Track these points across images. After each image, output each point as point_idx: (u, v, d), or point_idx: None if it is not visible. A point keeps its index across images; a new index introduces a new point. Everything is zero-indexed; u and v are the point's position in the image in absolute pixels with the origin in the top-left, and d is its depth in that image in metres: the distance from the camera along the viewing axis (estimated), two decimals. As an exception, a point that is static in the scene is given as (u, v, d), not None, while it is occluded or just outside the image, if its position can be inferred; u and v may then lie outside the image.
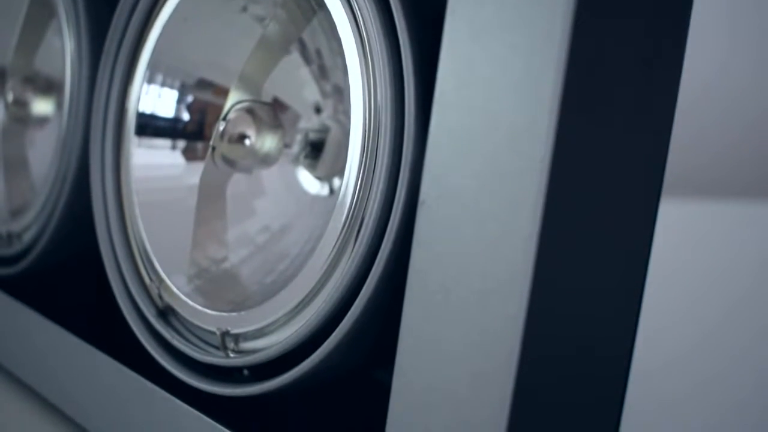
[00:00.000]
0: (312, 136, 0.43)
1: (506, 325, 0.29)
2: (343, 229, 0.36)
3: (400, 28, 0.35)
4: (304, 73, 0.43)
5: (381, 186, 0.35)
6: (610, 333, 0.42)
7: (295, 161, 0.43)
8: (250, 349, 0.40)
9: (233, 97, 0.43)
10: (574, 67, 0.30)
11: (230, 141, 0.42)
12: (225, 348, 0.41)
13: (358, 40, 0.37)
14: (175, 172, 0.46)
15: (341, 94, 0.42)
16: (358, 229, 0.36)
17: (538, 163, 0.29)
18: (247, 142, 0.42)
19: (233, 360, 0.40)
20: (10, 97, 0.57)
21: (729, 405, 0.59)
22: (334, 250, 0.37)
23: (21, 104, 0.57)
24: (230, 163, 0.43)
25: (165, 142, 0.46)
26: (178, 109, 0.46)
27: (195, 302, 0.42)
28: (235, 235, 0.44)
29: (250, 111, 0.42)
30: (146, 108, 0.46)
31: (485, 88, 0.31)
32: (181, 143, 0.46)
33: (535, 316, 0.30)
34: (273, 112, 0.43)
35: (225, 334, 0.40)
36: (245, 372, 0.41)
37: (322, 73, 0.43)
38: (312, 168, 0.43)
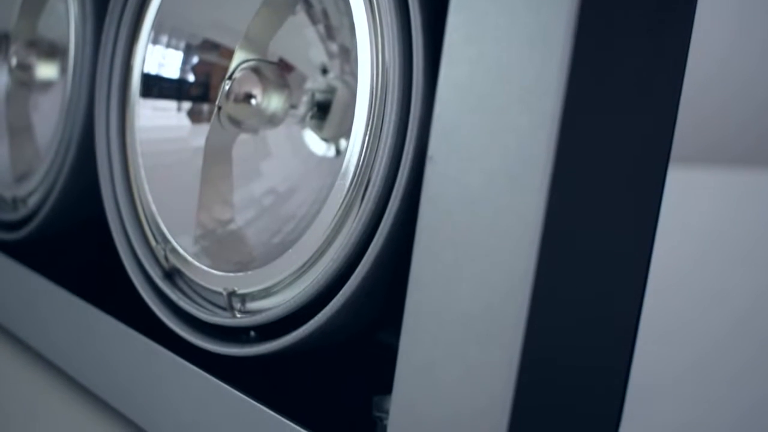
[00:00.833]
0: (318, 96, 0.42)
1: (516, 281, 0.29)
2: (350, 187, 0.36)
3: (408, -17, 0.35)
4: (311, 33, 0.43)
5: (389, 143, 0.34)
6: (616, 295, 0.42)
7: (302, 122, 0.43)
8: (257, 309, 0.40)
9: (239, 57, 0.43)
10: (586, 22, 0.30)
11: (236, 100, 0.41)
12: (231, 308, 0.40)
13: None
14: (181, 135, 0.45)
15: (348, 54, 0.41)
16: (365, 187, 0.36)
17: (548, 117, 0.29)
18: (253, 101, 0.42)
19: (240, 320, 0.40)
20: (13, 61, 0.56)
21: (734, 377, 0.59)
22: (341, 208, 0.36)
23: (25, 68, 0.56)
24: (236, 123, 0.43)
25: (170, 104, 0.45)
26: (183, 71, 0.45)
27: (201, 263, 0.42)
28: (242, 196, 0.44)
29: (256, 70, 0.42)
30: (151, 69, 0.45)
31: (495, 42, 0.30)
32: (187, 105, 0.45)
33: (545, 271, 0.30)
34: (279, 72, 0.43)
35: (231, 294, 0.40)
36: (252, 333, 0.41)
37: (328, 34, 0.42)
38: (318, 129, 0.43)
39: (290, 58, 0.43)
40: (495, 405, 0.29)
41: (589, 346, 0.40)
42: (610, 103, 0.36)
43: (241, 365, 0.41)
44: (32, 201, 0.54)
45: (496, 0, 0.30)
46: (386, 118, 0.35)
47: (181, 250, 0.43)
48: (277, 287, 0.39)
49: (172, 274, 0.44)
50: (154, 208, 0.44)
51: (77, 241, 0.53)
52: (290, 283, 0.39)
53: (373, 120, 0.35)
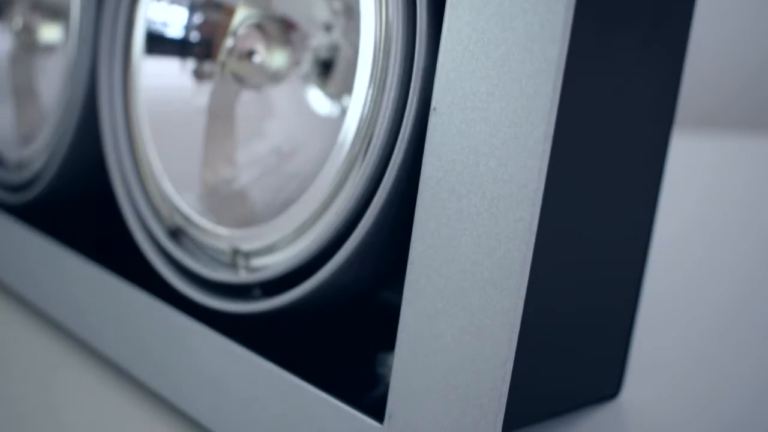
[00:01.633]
0: (322, 54, 0.42)
1: (519, 228, 0.29)
2: (353, 141, 0.36)
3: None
4: (314, -10, 0.42)
5: (392, 96, 0.34)
6: (621, 243, 0.42)
7: (305, 80, 0.43)
8: (262, 266, 0.40)
9: (242, 14, 0.43)
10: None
11: (239, 57, 0.41)
12: (236, 266, 0.40)
13: None
14: (185, 94, 0.45)
15: (351, 12, 0.41)
16: (369, 141, 0.35)
17: (552, 66, 0.29)
18: (256, 58, 0.41)
19: (244, 277, 0.40)
20: (17, 24, 0.56)
21: (738, 331, 0.59)
22: (344, 163, 0.36)
23: (29, 31, 0.56)
24: (239, 80, 0.42)
25: (174, 63, 0.45)
26: (186, 29, 0.45)
27: (205, 222, 0.42)
28: (246, 155, 0.44)
29: (259, 27, 0.42)
30: (155, 28, 0.45)
31: (498, -10, 0.30)
32: (190, 64, 0.45)
33: (549, 218, 0.30)
34: (282, 28, 0.42)
35: (236, 251, 0.40)
36: (256, 292, 0.41)
37: (332, -9, 0.42)
38: (322, 87, 0.42)
39: (293, 16, 0.43)
40: (499, 352, 0.29)
41: (594, 290, 0.40)
42: (614, 56, 0.36)
43: (247, 323, 0.41)
44: (37, 163, 0.54)
45: (500, -53, 0.30)
46: (390, 71, 0.34)
47: (185, 209, 0.43)
48: (281, 243, 0.39)
49: (176, 233, 0.44)
50: (158, 167, 0.44)
51: (82, 201, 0.53)
52: (294, 239, 0.38)
53: (376, 74, 0.35)
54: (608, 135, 0.37)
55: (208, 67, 0.45)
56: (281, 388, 0.37)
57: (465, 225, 0.31)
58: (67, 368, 0.49)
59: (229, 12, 0.44)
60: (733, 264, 0.74)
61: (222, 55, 0.42)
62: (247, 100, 0.44)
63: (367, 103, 0.36)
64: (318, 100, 0.43)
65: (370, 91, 0.35)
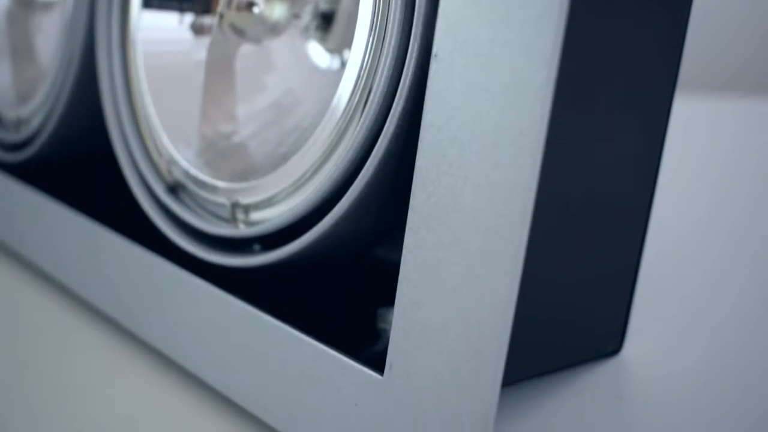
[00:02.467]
0: (322, 6, 0.42)
1: (521, 174, 0.29)
2: (353, 90, 0.35)
3: None
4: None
5: (393, 43, 0.34)
6: (624, 205, 0.41)
7: (305, 33, 0.42)
8: (261, 219, 0.40)
9: (241, -36, 0.42)
10: None
11: (238, 8, 0.41)
12: (235, 219, 0.40)
13: None
14: (184, 48, 0.45)
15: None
16: (369, 91, 0.35)
17: (555, 10, 0.28)
18: (255, 9, 0.41)
19: (243, 231, 0.40)
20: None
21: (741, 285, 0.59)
22: (344, 113, 0.36)
23: (26, -12, 0.56)
24: (238, 32, 0.42)
25: (172, 17, 0.45)
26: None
27: (204, 176, 0.42)
28: (245, 110, 0.43)
29: None
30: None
31: (501, -67, 0.30)
32: (189, 18, 0.45)
33: (551, 165, 0.29)
34: (282, -21, 0.42)
35: (235, 204, 0.40)
36: (256, 247, 0.40)
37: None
38: (322, 40, 0.42)
39: (293, -33, 0.43)
40: (500, 300, 0.29)
41: (597, 244, 0.40)
42: (617, 2, 0.36)
43: (247, 277, 0.40)
44: (35, 121, 0.53)
45: None
46: (390, 19, 0.34)
47: (184, 164, 0.42)
48: (280, 196, 0.39)
49: (175, 188, 0.43)
50: (156, 122, 0.44)
51: (80, 159, 0.53)
52: (293, 192, 0.38)
53: (376, 22, 0.35)
54: (611, 82, 0.37)
55: (207, 20, 0.44)
56: (281, 341, 0.37)
57: (466, 173, 0.30)
58: (66, 324, 0.49)
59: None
60: (739, 223, 0.74)
61: (221, 6, 0.41)
62: (246, 53, 0.43)
63: (368, 53, 0.35)
64: (318, 53, 0.42)
65: (371, 40, 0.35)
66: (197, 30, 0.44)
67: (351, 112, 0.36)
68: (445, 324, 0.31)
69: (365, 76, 0.35)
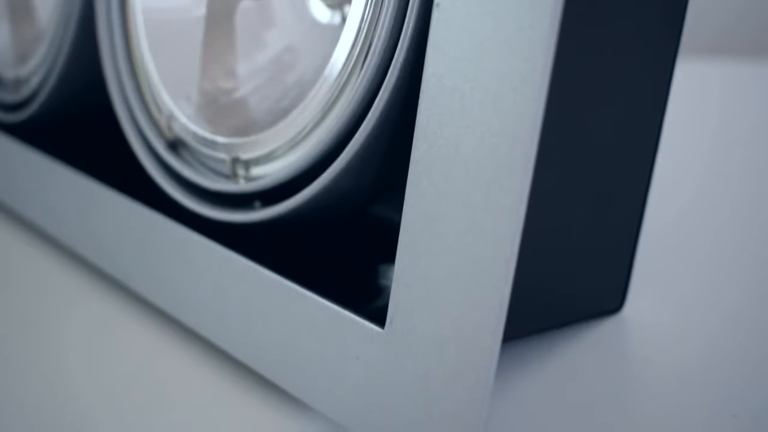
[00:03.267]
0: (323, -40, 0.41)
1: (522, 126, 0.28)
2: (354, 42, 0.35)
3: None
4: None
5: (394, -6, 0.33)
6: (626, 164, 0.41)
7: (306, -12, 0.42)
8: (261, 175, 0.39)
9: None
10: None
11: (238, -38, 0.40)
12: (235, 175, 0.40)
13: None
14: (183, 4, 0.44)
15: None
16: (370, 43, 0.35)
17: (558, -43, 0.28)
18: (255, -38, 0.40)
19: (244, 186, 0.39)
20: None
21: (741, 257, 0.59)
22: (345, 66, 0.35)
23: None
24: (238, -14, 0.42)
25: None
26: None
27: (204, 132, 0.41)
28: (245, 66, 0.43)
29: None
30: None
31: None
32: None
33: (553, 113, 0.29)
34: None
35: (235, 160, 0.40)
36: (257, 204, 0.40)
37: None
38: (323, -4, 0.42)
39: None
40: (501, 252, 0.29)
41: (598, 201, 0.40)
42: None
43: (248, 233, 0.40)
44: (34, 81, 0.53)
45: None
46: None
47: (183, 120, 0.42)
48: (280, 151, 0.38)
49: (175, 145, 0.43)
50: (156, 78, 0.43)
51: (80, 118, 0.53)
52: (294, 146, 0.38)
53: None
54: (615, 32, 0.36)
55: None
56: (282, 296, 0.37)
57: (468, 122, 0.30)
58: (66, 283, 0.49)
59: None
60: (740, 184, 0.74)
61: (220, -41, 0.41)
62: (246, 9, 0.43)
63: (368, 6, 0.35)
64: (318, 8, 0.42)
65: None
66: (197, -15, 0.44)
67: (352, 65, 0.35)
68: (447, 276, 0.31)
69: (366, 28, 0.35)
